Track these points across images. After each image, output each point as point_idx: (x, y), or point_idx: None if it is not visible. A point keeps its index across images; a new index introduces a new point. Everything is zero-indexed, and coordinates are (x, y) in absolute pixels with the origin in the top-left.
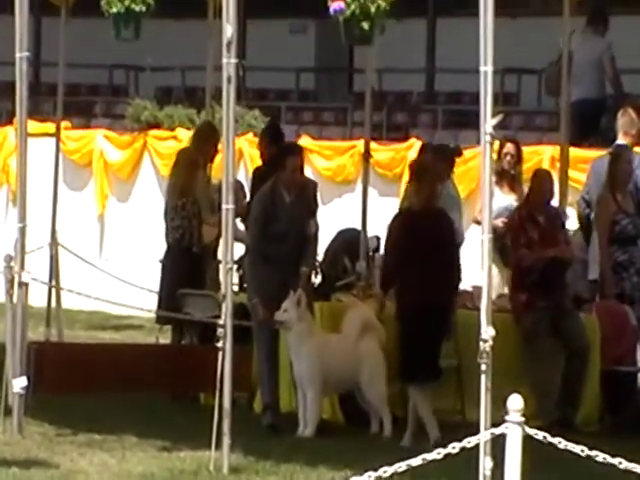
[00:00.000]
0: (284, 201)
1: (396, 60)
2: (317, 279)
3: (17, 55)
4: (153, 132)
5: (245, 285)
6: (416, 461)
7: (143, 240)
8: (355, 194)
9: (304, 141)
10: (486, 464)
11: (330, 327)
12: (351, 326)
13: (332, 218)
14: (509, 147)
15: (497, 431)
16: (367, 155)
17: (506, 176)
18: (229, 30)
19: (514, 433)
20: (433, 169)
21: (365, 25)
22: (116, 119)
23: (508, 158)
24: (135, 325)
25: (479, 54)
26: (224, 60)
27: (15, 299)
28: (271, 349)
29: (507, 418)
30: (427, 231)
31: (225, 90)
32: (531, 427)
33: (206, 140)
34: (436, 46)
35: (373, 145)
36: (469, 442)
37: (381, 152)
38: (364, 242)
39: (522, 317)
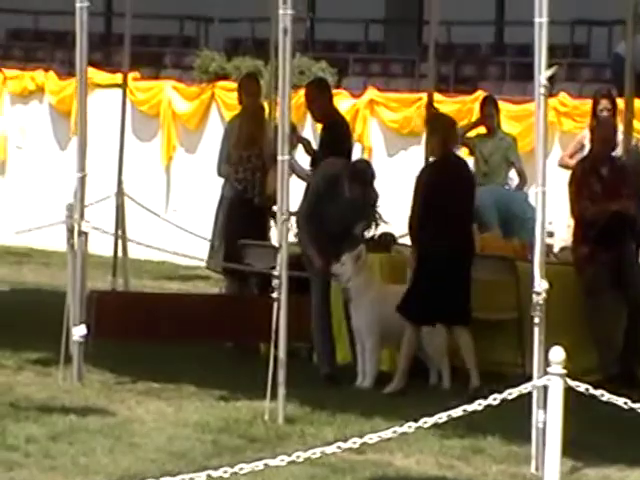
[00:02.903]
0: (344, 193)
1: (465, 12)
2: (377, 231)
3: (77, 5)
4: (221, 83)
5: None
6: (472, 407)
7: (210, 191)
8: (421, 146)
9: (370, 93)
10: (539, 417)
11: (390, 279)
12: None
13: (397, 170)
14: (604, 103)
15: (539, 383)
16: (430, 107)
17: None
18: None
19: (556, 385)
20: (444, 117)
21: None
22: (185, 70)
23: (605, 114)
24: (202, 276)
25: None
26: (280, 11)
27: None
28: (323, 300)
29: (549, 370)
30: (446, 181)
31: (281, 41)
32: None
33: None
34: None
35: (439, 97)
36: (510, 394)
37: (447, 104)
38: None
39: (584, 270)
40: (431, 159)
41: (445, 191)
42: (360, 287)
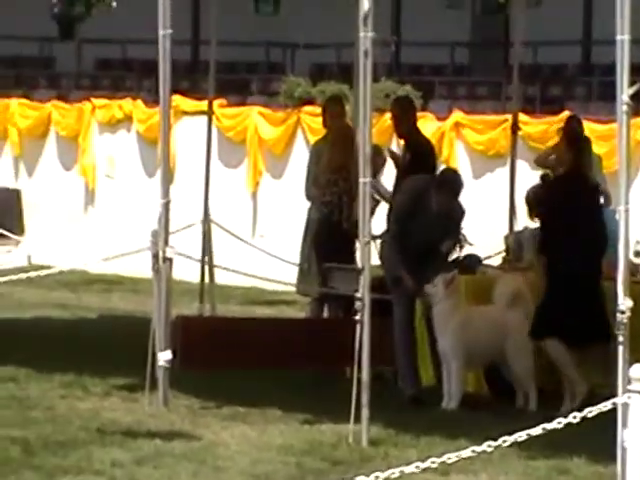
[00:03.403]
0: (430, 209)
1: (552, 33)
2: (462, 253)
3: (160, 33)
4: (306, 108)
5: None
6: (551, 425)
7: (297, 216)
8: (507, 168)
9: (456, 115)
10: (623, 435)
11: (475, 300)
12: (501, 296)
13: (483, 192)
14: None
15: (620, 401)
16: (515, 128)
17: None
18: (366, 4)
19: (636, 403)
20: (582, 135)
21: None
22: (271, 96)
23: None
24: (288, 300)
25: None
26: (361, 34)
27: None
28: (408, 321)
29: (630, 387)
30: (578, 198)
31: (362, 64)
32: None
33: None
34: (593, 17)
35: (525, 118)
36: (590, 412)
37: (533, 125)
38: (510, 216)
39: None
40: (557, 172)
41: (577, 206)
42: (448, 310)
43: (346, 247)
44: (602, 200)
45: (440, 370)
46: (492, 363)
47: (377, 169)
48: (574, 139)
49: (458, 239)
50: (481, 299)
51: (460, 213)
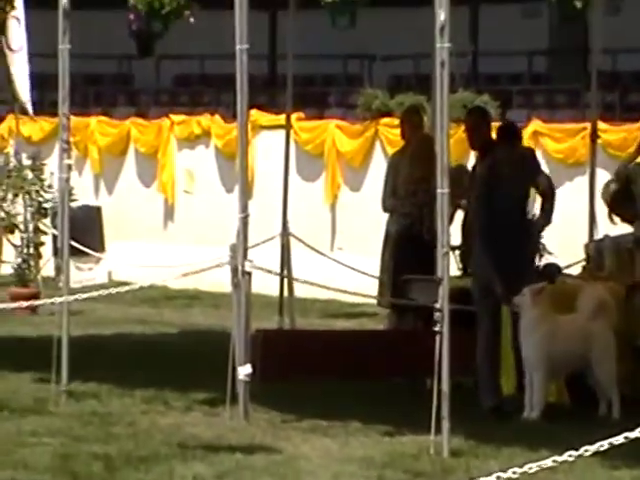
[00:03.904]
0: (503, 174)
1: (631, 39)
2: (541, 262)
3: (237, 47)
4: (384, 120)
5: (473, 268)
6: (634, 434)
7: (376, 229)
8: (586, 176)
9: (535, 124)
10: None
11: (557, 309)
12: (586, 305)
13: (563, 201)
14: None
15: None
16: (594, 136)
17: None
18: (442, 15)
19: None
20: None
21: (578, 4)
22: (349, 109)
23: None
24: (368, 313)
25: None
26: (437, 45)
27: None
28: (495, 330)
29: None
30: None
31: (439, 74)
32: None
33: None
34: None
35: (604, 126)
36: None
37: (613, 133)
38: (590, 225)
39: None
40: None
41: None
42: (534, 320)
43: (427, 258)
44: None
45: (522, 379)
46: (574, 371)
47: (465, 190)
48: None
49: (537, 249)
50: (563, 308)
51: (543, 223)
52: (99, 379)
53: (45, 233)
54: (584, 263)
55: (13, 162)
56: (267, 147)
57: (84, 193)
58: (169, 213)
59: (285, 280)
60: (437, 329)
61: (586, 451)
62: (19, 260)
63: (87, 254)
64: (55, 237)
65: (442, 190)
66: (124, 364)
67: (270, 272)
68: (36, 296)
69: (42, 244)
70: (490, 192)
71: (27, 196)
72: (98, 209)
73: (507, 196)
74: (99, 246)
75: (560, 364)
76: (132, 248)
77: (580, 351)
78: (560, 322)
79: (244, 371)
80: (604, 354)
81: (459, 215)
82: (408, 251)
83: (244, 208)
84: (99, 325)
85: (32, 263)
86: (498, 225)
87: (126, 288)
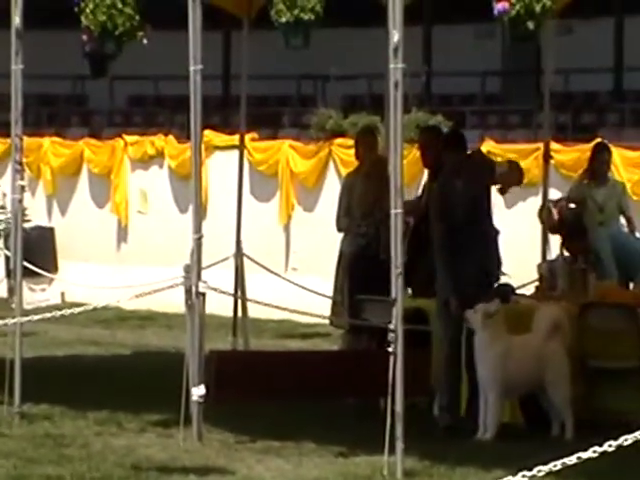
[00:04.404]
0: (456, 187)
1: (583, 60)
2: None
3: (191, 68)
4: (338, 141)
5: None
6: (586, 454)
7: (329, 249)
8: (539, 197)
9: (487, 145)
10: None
11: (510, 329)
12: (540, 325)
13: (516, 221)
14: None
15: None
16: (547, 156)
17: None
18: (395, 36)
19: None
20: None
21: (530, 25)
22: (303, 129)
23: None
24: (322, 333)
25: None
26: (391, 65)
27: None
28: (456, 347)
29: None
30: None
31: (392, 95)
32: None
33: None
34: (624, 44)
35: (557, 146)
36: (626, 440)
37: (566, 153)
38: (543, 245)
39: None
40: None
41: None
42: (487, 339)
43: (383, 278)
44: (627, 227)
45: (475, 400)
46: (529, 392)
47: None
48: None
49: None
50: (517, 328)
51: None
52: (52, 401)
53: None
54: (537, 283)
55: None
56: (221, 167)
57: (37, 214)
58: (122, 234)
59: (239, 301)
60: (391, 349)
61: (539, 471)
62: None
63: (40, 275)
64: (8, 258)
65: (396, 210)
66: (77, 386)
67: (224, 293)
68: None
69: None
70: (444, 209)
71: None
72: (51, 230)
73: (461, 211)
74: (52, 267)
75: (514, 384)
76: (85, 269)
77: (535, 372)
78: (514, 342)
79: (198, 392)
80: (558, 375)
81: None
82: (363, 271)
83: (198, 229)
84: (52, 346)
85: None
86: (456, 241)
87: (79, 309)
